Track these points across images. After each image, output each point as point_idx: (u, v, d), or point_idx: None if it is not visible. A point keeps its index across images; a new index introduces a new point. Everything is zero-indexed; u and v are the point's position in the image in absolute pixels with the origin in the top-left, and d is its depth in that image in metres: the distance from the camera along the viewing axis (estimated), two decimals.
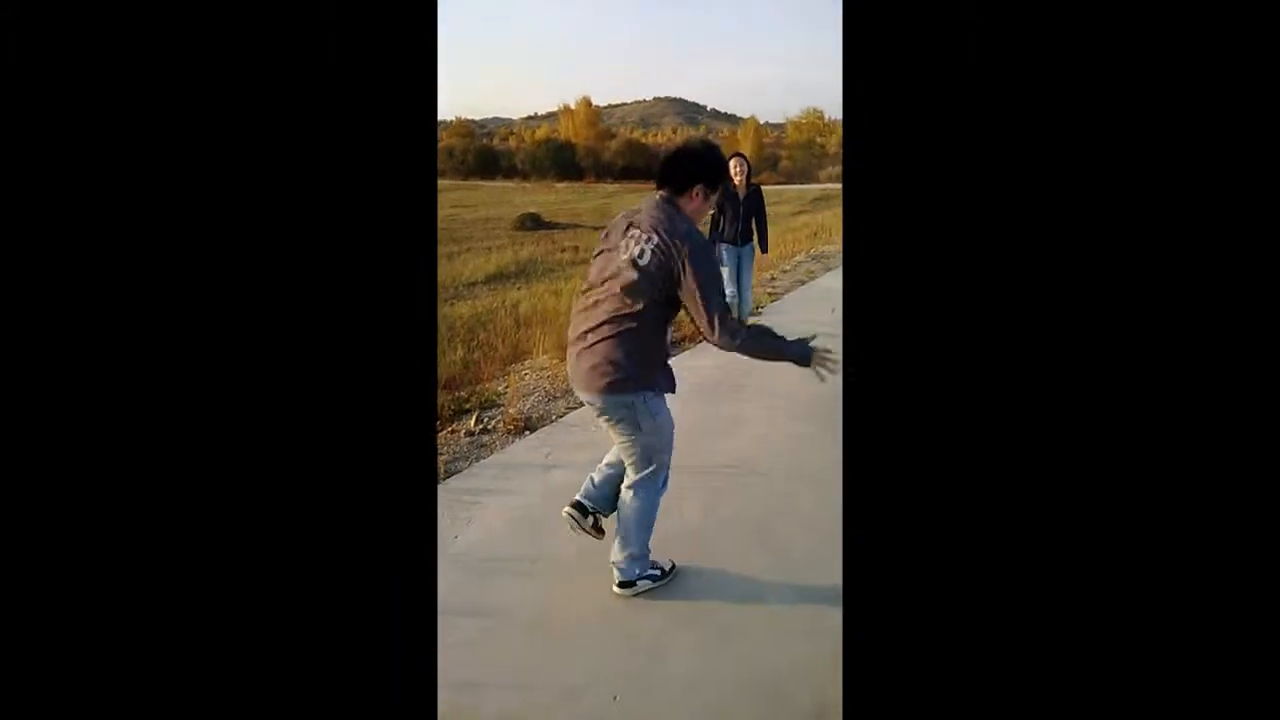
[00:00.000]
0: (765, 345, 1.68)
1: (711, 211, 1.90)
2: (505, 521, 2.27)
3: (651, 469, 1.80)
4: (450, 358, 4.29)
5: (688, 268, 1.61)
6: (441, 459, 2.81)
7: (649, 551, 1.89)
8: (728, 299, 2.35)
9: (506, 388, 3.62)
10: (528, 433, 3.04)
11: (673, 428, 1.81)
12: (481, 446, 2.93)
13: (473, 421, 3.15)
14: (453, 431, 3.09)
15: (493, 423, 3.15)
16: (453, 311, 5.91)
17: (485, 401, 3.43)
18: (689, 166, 1.72)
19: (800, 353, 1.68)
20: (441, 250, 8.74)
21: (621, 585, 1.87)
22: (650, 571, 1.89)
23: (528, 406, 3.33)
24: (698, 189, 1.70)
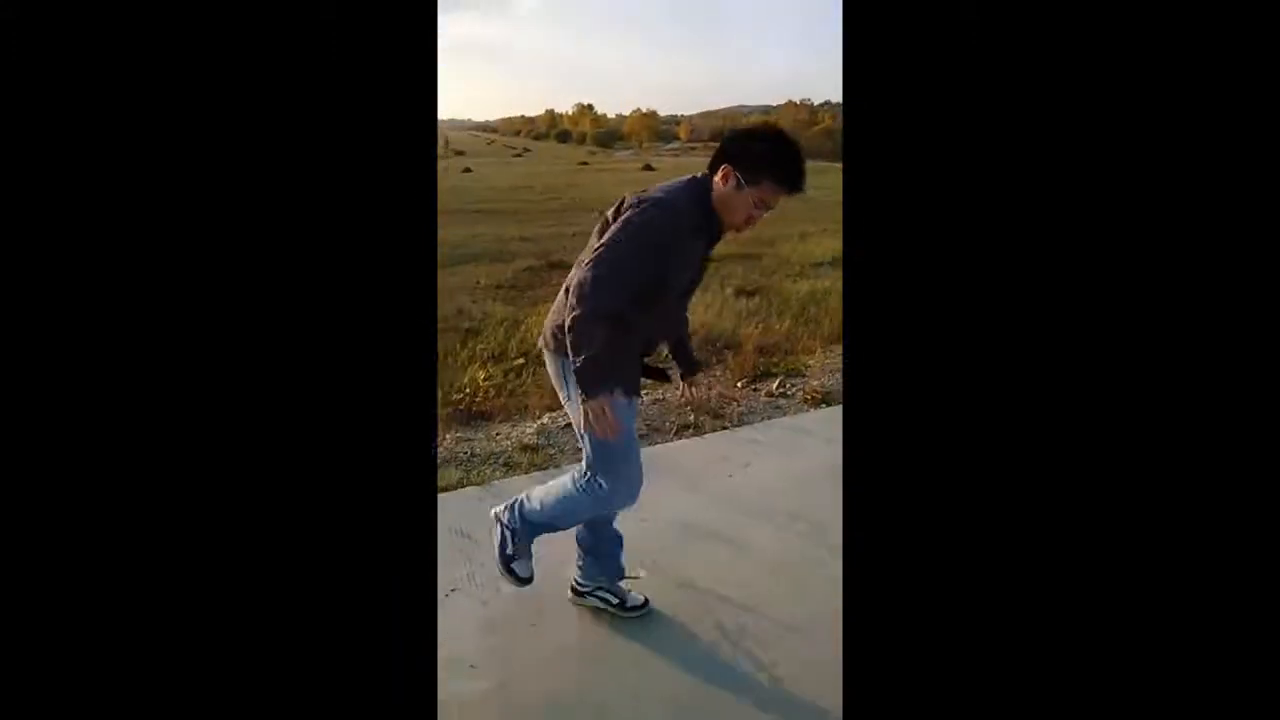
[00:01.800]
0: (588, 352, 1.34)
1: (764, 212, 1.48)
2: (775, 476, 2.43)
3: (594, 475, 1.53)
4: (777, 326, 4.52)
5: (612, 224, 1.41)
6: (739, 411, 3.06)
7: (530, 540, 1.66)
8: None
9: (816, 362, 3.73)
10: (824, 405, 3.13)
11: (634, 438, 1.55)
12: (777, 408, 3.11)
13: (775, 385, 3.34)
14: (755, 389, 3.32)
15: (794, 390, 3.30)
16: (794, 287, 6.12)
17: (793, 370, 3.59)
18: (725, 145, 1.49)
19: (593, 387, 1.35)
20: (794, 229, 8.99)
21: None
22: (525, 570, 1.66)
23: (830, 382, 3.40)
24: (725, 169, 1.45)
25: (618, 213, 1.45)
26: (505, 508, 1.67)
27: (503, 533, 1.66)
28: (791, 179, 1.44)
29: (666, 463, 2.44)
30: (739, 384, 3.46)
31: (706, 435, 2.81)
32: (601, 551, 1.72)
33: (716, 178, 1.47)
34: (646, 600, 1.74)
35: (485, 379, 3.45)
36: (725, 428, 2.88)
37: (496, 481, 2.38)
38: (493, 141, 50.49)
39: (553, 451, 2.65)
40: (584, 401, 1.37)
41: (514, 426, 2.93)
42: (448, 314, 5.05)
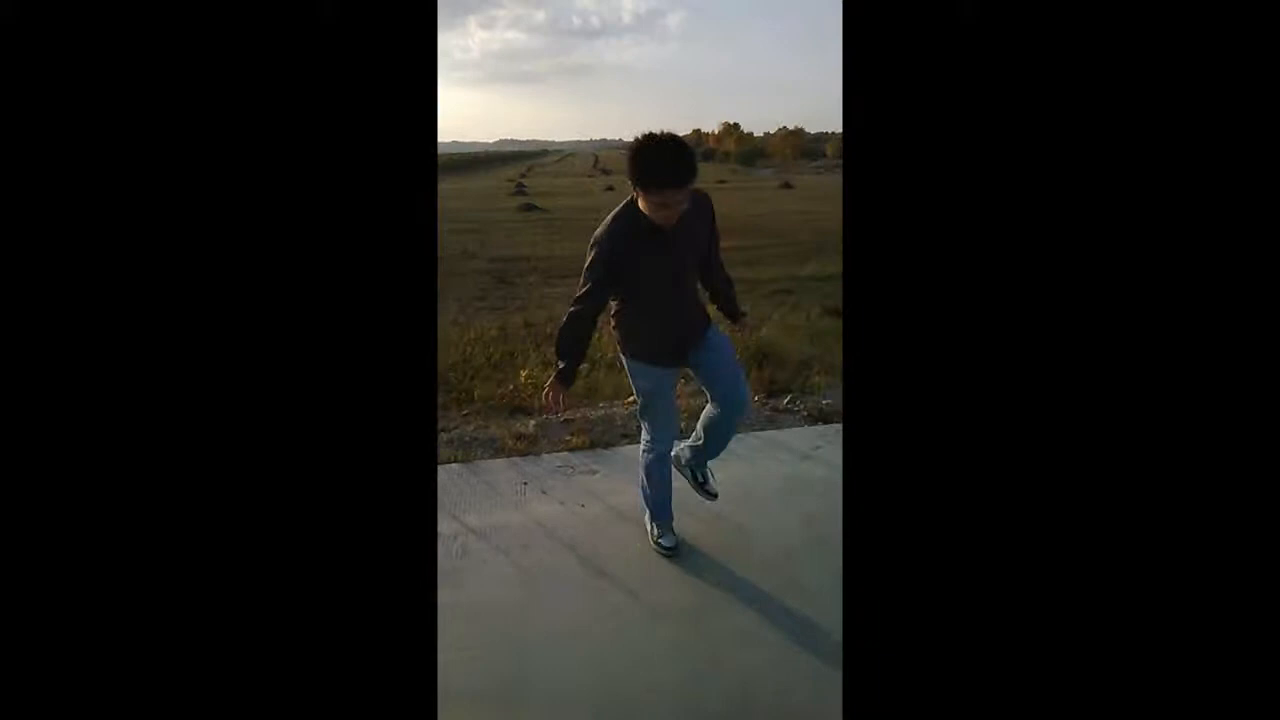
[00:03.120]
0: (564, 339, 1.93)
1: (681, 209, 1.80)
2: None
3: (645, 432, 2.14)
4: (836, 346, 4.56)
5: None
6: None
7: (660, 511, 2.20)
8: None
9: (837, 380, 3.80)
10: (820, 423, 3.23)
11: (650, 390, 2.06)
12: (771, 423, 3.26)
13: (785, 400, 3.48)
14: (765, 404, 3.48)
15: (799, 406, 3.42)
16: None
17: (809, 388, 3.69)
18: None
19: (565, 369, 1.93)
20: None
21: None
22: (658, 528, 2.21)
23: (838, 402, 3.48)
24: (637, 189, 1.80)
25: None
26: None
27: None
28: (662, 179, 1.74)
29: (620, 462, 2.73)
30: (755, 396, 3.63)
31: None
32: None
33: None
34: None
35: (527, 378, 3.90)
36: None
37: (481, 461, 2.79)
38: None
39: (543, 440, 3.02)
40: (557, 380, 1.95)
41: (532, 419, 3.33)
42: (539, 320, 5.60)
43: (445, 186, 27.74)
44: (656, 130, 1.74)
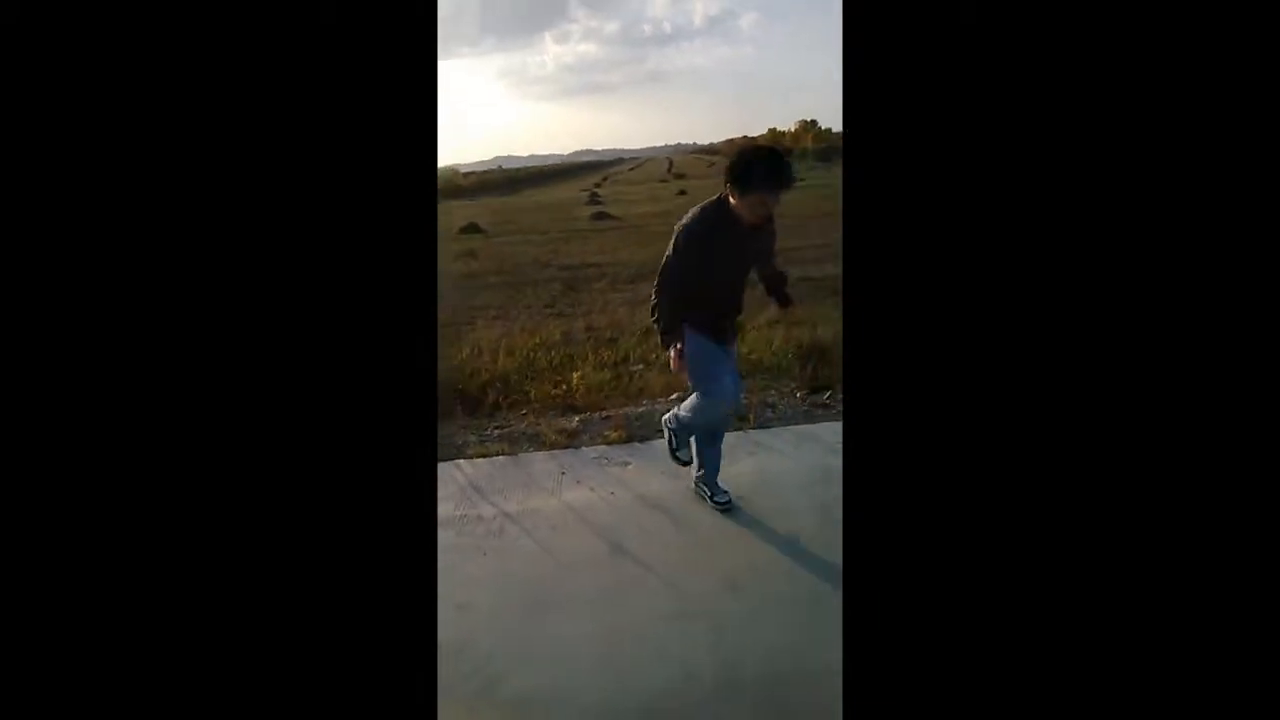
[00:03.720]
0: (664, 312, 2.25)
1: (768, 208, 2.17)
2: (751, 474, 2.74)
3: (699, 391, 2.34)
4: None
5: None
6: (771, 415, 3.36)
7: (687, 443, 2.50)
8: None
9: None
10: None
11: (708, 356, 2.28)
12: (811, 417, 3.34)
13: (826, 395, 3.55)
14: (805, 397, 3.57)
15: (838, 401, 3.49)
16: None
17: None
18: (726, 170, 2.17)
19: (675, 334, 2.23)
20: None
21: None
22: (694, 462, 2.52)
23: None
24: (727, 187, 2.15)
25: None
26: (670, 415, 2.53)
27: (667, 432, 2.54)
28: (768, 184, 2.12)
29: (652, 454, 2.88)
30: (798, 393, 3.71)
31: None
32: (707, 461, 2.52)
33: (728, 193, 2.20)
34: (730, 501, 2.46)
35: (580, 378, 4.11)
36: (740, 429, 3.21)
37: (523, 454, 3.02)
38: (713, 164, 52.08)
39: (584, 434, 3.22)
40: (662, 346, 2.35)
41: (576, 418, 3.55)
42: (600, 325, 5.83)
43: (520, 200, 28.66)
44: (746, 137, 2.02)
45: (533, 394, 3.88)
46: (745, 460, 2.83)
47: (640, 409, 3.52)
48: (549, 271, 9.41)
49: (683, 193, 25.65)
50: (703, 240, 2.19)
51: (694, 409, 2.39)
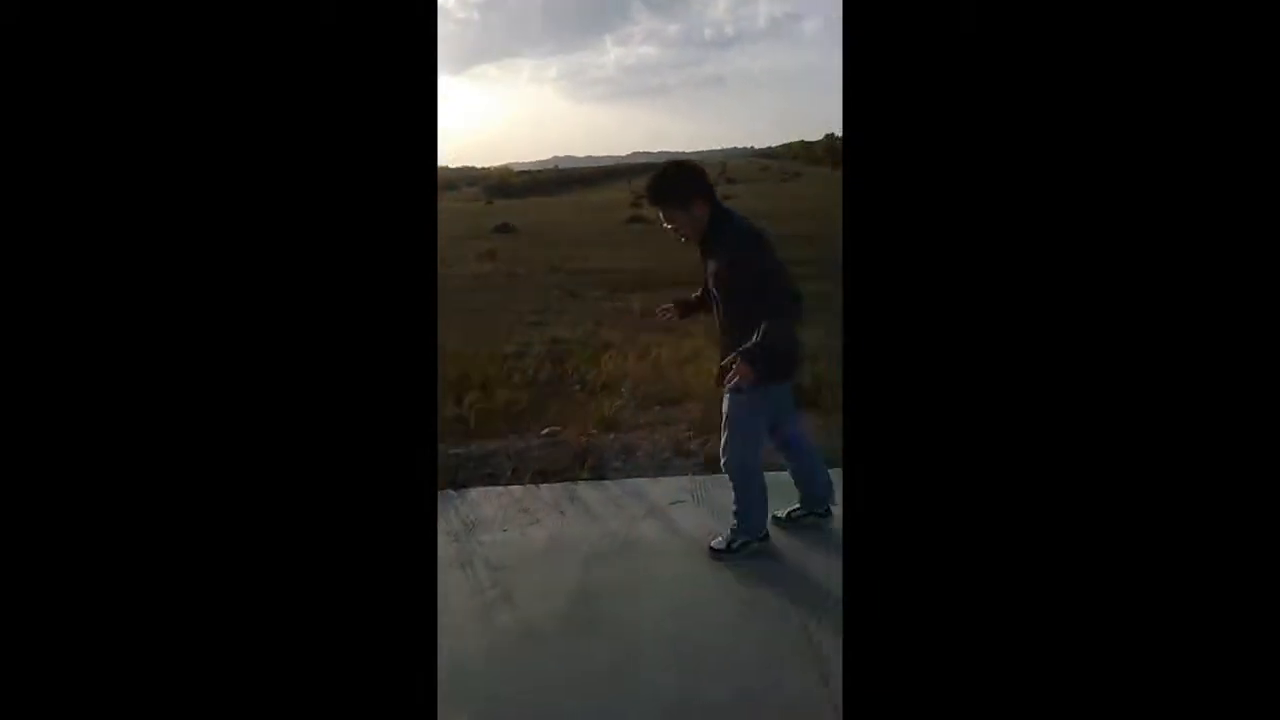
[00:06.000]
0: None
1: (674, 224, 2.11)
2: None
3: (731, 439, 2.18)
4: None
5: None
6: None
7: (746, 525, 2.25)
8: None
9: None
10: None
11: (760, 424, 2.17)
12: None
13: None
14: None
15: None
16: None
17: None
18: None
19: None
20: None
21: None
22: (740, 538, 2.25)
23: None
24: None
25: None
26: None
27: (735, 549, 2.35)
28: (650, 198, 2.14)
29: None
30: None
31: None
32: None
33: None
34: (767, 534, 2.31)
35: (474, 402, 3.88)
36: None
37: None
38: (767, 168, 50.55)
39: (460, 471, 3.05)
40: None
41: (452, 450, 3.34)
42: (567, 338, 5.65)
43: (565, 200, 28.51)
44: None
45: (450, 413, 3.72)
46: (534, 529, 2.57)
47: (535, 442, 3.32)
48: (557, 277, 9.32)
49: (728, 198, 25.15)
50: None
51: (741, 505, 2.21)
